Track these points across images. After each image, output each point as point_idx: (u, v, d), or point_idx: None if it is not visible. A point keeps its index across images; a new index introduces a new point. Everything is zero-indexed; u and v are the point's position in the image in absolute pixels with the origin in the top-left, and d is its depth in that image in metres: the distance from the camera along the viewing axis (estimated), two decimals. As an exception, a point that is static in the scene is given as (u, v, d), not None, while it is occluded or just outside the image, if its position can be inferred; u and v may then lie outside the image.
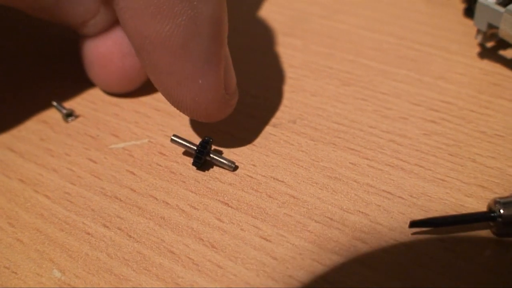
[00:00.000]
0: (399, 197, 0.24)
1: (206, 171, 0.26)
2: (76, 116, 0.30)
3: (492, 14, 0.29)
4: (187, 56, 0.23)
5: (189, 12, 0.23)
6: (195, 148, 0.26)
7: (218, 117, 0.26)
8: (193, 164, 0.26)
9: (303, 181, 0.25)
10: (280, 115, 0.29)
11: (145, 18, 0.23)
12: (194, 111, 0.25)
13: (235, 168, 0.26)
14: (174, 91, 0.25)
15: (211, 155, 0.26)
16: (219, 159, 0.26)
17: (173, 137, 0.26)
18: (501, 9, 0.29)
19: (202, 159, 0.26)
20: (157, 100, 0.30)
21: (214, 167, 0.27)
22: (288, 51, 0.33)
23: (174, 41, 0.23)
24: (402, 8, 0.36)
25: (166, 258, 0.23)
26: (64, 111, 0.29)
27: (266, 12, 0.37)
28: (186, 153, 0.27)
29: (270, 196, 0.25)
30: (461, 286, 0.21)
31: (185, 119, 0.29)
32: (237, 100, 0.26)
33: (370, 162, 0.26)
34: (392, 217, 0.24)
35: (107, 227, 0.24)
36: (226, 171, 0.26)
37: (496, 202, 0.22)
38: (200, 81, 0.24)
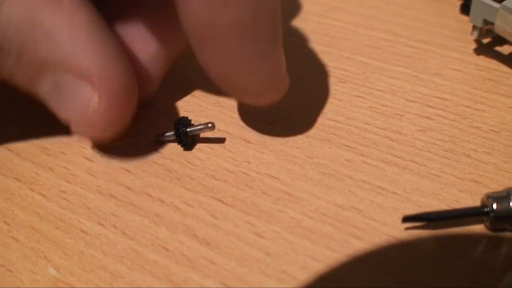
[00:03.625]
0: (393, 192, 0.24)
1: (202, 169, 0.26)
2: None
3: (487, 10, 0.29)
4: (254, 40, 0.23)
5: None
6: (172, 133, 0.27)
7: (275, 97, 0.26)
8: (184, 148, 0.27)
9: (298, 178, 0.25)
10: (276, 112, 0.29)
11: (215, 5, 0.22)
12: (254, 94, 0.25)
13: (213, 126, 0.26)
14: (237, 76, 0.24)
15: (188, 129, 0.27)
16: (196, 128, 0.27)
17: (157, 137, 0.27)
18: (496, 5, 0.29)
19: (182, 139, 0.27)
20: (152, 98, 0.30)
21: (205, 144, 0.27)
22: (285, 48, 0.33)
23: (242, 26, 0.23)
24: (399, 5, 0.36)
25: (161, 255, 0.23)
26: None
27: (263, 11, 0.37)
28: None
29: (264, 193, 0.25)
30: (454, 281, 0.21)
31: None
32: (289, 81, 0.26)
33: (364, 158, 0.26)
34: (386, 213, 0.24)
35: (102, 224, 0.24)
36: (221, 168, 0.26)
37: (489, 196, 0.22)
38: (264, 64, 0.24)
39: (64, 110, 0.25)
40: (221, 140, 0.27)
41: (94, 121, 0.24)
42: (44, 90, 0.25)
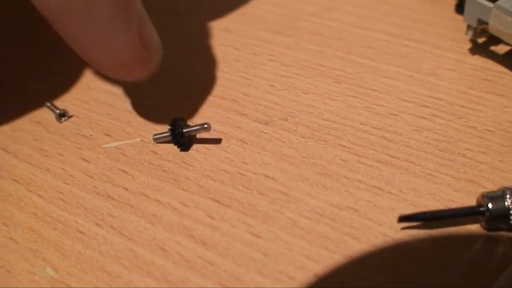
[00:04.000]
0: (389, 192, 0.24)
1: (199, 170, 0.26)
2: (69, 116, 0.30)
3: (481, 9, 0.29)
4: (92, 18, 0.23)
5: None
6: (169, 133, 0.27)
7: (140, 73, 0.26)
8: (180, 149, 0.27)
9: (294, 178, 0.26)
10: (272, 113, 0.29)
11: None
12: (114, 70, 0.25)
13: (209, 127, 0.27)
14: (89, 53, 0.25)
15: (184, 130, 0.27)
16: (192, 129, 0.27)
17: (154, 137, 0.27)
18: (490, 4, 0.29)
19: (179, 140, 0.27)
20: (149, 99, 0.30)
21: (201, 144, 0.27)
22: (279, 49, 0.33)
23: (76, 5, 0.23)
24: (394, 5, 0.36)
25: (158, 255, 0.23)
26: (57, 111, 0.30)
27: (258, 11, 0.37)
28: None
29: (261, 193, 0.25)
30: (450, 280, 0.21)
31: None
32: (160, 56, 0.26)
33: (360, 158, 0.26)
34: (381, 213, 0.24)
35: (100, 225, 0.24)
36: (218, 168, 0.26)
37: (485, 196, 0.23)
38: (110, 40, 0.24)
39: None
40: (217, 141, 0.27)
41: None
42: None
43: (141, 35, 0.25)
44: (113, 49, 0.24)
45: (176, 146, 0.27)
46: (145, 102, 0.30)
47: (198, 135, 0.28)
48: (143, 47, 0.25)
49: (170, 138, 0.27)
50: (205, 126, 0.26)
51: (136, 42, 0.25)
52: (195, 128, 0.27)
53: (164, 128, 0.28)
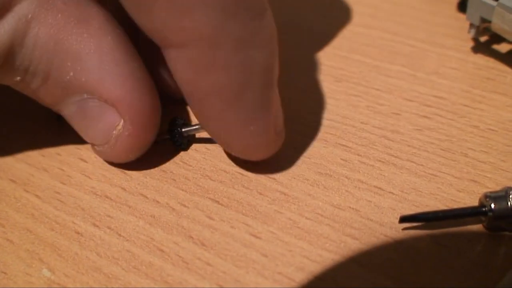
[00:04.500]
0: (390, 192, 0.24)
1: (198, 170, 0.26)
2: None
3: (484, 8, 0.29)
4: (240, 105, 0.23)
5: (244, 63, 0.22)
6: (168, 136, 0.27)
7: (266, 156, 0.25)
8: (179, 148, 0.27)
9: (294, 178, 0.25)
10: (272, 112, 0.29)
11: (199, 69, 0.22)
12: (243, 153, 0.25)
13: None
14: (224, 136, 0.24)
15: (183, 130, 0.26)
16: (191, 128, 0.26)
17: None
18: (493, 2, 0.29)
19: (178, 139, 0.27)
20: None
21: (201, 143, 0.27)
22: (281, 47, 0.33)
23: (227, 91, 0.22)
24: (397, 4, 0.36)
25: (156, 256, 0.23)
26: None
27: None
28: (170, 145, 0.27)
29: (260, 193, 0.25)
30: (452, 281, 0.21)
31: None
32: (284, 137, 0.26)
33: (361, 158, 0.26)
34: (382, 213, 0.23)
35: (97, 226, 0.24)
36: (217, 168, 0.26)
37: (487, 196, 0.22)
38: (251, 128, 0.23)
39: (88, 133, 0.25)
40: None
41: (116, 146, 0.25)
42: (69, 111, 0.25)
43: (275, 119, 0.24)
44: (250, 136, 0.24)
45: (175, 146, 0.27)
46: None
47: (197, 135, 0.27)
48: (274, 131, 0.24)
49: (168, 138, 0.27)
50: None
51: (272, 128, 0.24)
52: (194, 127, 0.26)
53: (162, 128, 0.27)
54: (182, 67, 0.22)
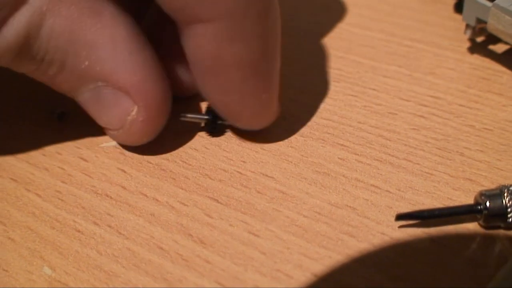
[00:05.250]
0: (387, 191, 0.24)
1: (197, 168, 0.26)
2: (68, 115, 0.30)
3: (480, 8, 0.29)
4: (258, 74, 0.24)
5: (263, 34, 0.24)
6: (206, 117, 0.28)
7: (267, 124, 0.27)
8: (210, 131, 0.28)
9: (292, 177, 0.26)
10: (270, 112, 0.29)
11: (224, 42, 0.23)
12: (249, 122, 0.27)
13: None
14: (236, 107, 0.26)
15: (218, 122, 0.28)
16: (224, 122, 0.28)
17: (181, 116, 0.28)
18: (488, 3, 0.29)
19: (215, 125, 0.28)
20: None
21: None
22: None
23: (248, 61, 0.24)
24: (393, 5, 0.36)
25: (156, 254, 0.23)
26: (57, 110, 0.30)
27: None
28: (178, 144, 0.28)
29: (259, 192, 0.25)
30: (448, 278, 0.21)
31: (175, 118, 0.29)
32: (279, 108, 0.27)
33: (358, 157, 0.26)
34: (379, 211, 0.24)
35: (97, 224, 0.24)
36: (216, 167, 0.26)
37: (482, 194, 0.23)
38: (263, 96, 0.25)
39: (102, 118, 0.26)
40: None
41: (131, 130, 0.26)
42: (85, 98, 0.26)
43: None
44: (261, 104, 0.26)
45: (207, 130, 0.28)
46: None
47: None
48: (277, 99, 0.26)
49: (209, 119, 0.28)
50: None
51: (278, 97, 0.26)
52: (223, 121, 0.28)
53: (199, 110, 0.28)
54: (207, 41, 0.23)
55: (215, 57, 0.23)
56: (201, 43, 0.23)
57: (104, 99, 0.25)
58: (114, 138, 0.27)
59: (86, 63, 0.24)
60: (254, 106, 0.26)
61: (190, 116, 0.28)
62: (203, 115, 0.28)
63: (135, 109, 0.25)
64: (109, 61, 0.24)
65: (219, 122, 0.28)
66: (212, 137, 0.28)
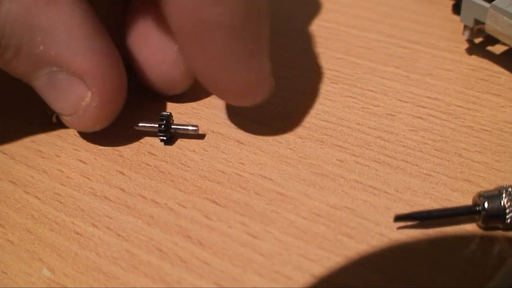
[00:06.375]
0: (385, 192, 0.24)
1: (196, 170, 0.26)
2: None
3: (478, 9, 0.29)
4: (242, 36, 0.24)
5: None
6: (156, 125, 0.27)
7: (258, 99, 0.26)
8: (161, 140, 0.28)
9: (291, 178, 0.26)
10: (269, 114, 0.29)
11: (207, 2, 0.23)
12: (239, 95, 0.26)
13: (197, 129, 0.27)
14: (223, 76, 0.25)
15: (172, 126, 0.27)
16: (181, 126, 0.27)
17: (135, 127, 0.28)
18: (486, 4, 0.29)
19: (167, 132, 0.27)
20: (146, 99, 0.30)
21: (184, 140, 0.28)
22: (277, 50, 0.33)
23: (232, 22, 0.23)
24: (391, 6, 0.37)
25: (154, 256, 0.23)
26: (55, 113, 0.30)
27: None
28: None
29: (258, 194, 0.25)
30: (446, 279, 0.21)
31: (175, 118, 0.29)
32: (273, 86, 0.27)
33: (357, 158, 0.26)
34: (378, 212, 0.24)
35: (96, 226, 0.24)
36: (215, 169, 0.26)
37: (481, 195, 0.23)
38: (250, 62, 0.24)
39: (57, 103, 0.26)
40: (201, 136, 0.28)
41: (84, 116, 0.26)
42: (39, 83, 0.26)
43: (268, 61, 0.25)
44: (250, 71, 0.25)
45: (160, 139, 0.28)
46: (142, 103, 0.30)
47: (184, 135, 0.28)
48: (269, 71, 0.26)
49: (156, 127, 0.27)
50: (194, 127, 0.27)
51: (269, 65, 0.25)
52: (183, 127, 0.27)
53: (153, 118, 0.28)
54: (186, 2, 0.23)
55: (196, 19, 0.23)
56: (181, 5, 0.23)
57: (59, 84, 0.25)
58: (68, 124, 0.27)
59: (41, 47, 0.24)
60: (242, 74, 0.25)
61: (142, 125, 0.28)
62: (155, 123, 0.28)
63: (89, 94, 0.25)
64: (64, 46, 0.24)
65: (172, 130, 0.28)
66: (165, 145, 0.28)
